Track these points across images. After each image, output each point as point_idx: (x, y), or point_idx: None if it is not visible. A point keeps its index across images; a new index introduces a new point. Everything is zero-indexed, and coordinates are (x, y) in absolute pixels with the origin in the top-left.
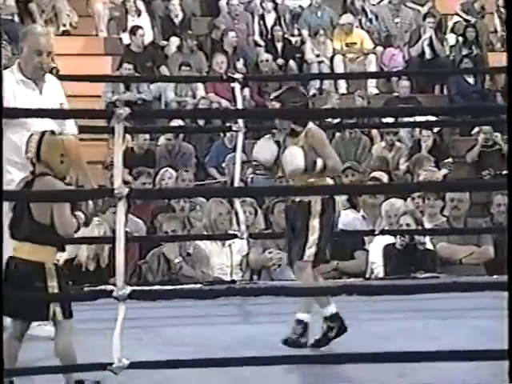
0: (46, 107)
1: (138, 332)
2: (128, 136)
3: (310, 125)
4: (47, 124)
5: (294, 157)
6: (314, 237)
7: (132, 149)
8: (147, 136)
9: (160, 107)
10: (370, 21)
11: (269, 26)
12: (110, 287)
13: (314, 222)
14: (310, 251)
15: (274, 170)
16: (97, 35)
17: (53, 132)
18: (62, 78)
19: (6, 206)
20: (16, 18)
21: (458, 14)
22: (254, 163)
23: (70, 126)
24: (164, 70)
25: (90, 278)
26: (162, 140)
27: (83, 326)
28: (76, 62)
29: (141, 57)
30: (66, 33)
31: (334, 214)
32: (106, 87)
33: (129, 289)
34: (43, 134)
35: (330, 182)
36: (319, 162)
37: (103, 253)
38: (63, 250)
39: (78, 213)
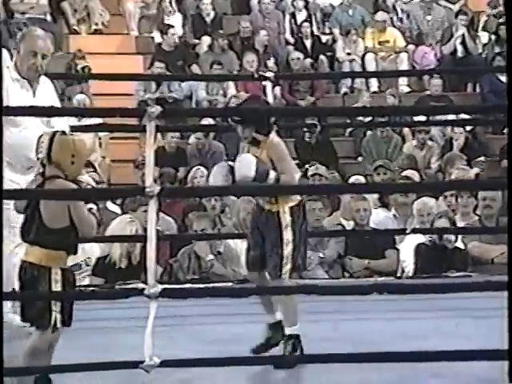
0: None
1: (169, 330)
2: (158, 134)
3: (272, 135)
4: (37, 123)
5: (245, 164)
6: (288, 250)
7: (163, 147)
8: (177, 134)
9: (191, 106)
10: (401, 19)
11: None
12: (141, 285)
13: (287, 234)
14: (286, 268)
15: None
16: (128, 34)
17: (64, 132)
18: (94, 76)
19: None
20: (48, 17)
21: (487, 14)
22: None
23: (62, 126)
24: (195, 69)
25: (122, 276)
26: (192, 139)
27: (115, 323)
28: (108, 61)
29: (172, 55)
30: (98, 32)
31: (305, 221)
32: (138, 86)
33: (160, 287)
34: (54, 134)
35: (291, 204)
36: (272, 175)
37: (135, 250)
38: (75, 252)
39: (91, 205)
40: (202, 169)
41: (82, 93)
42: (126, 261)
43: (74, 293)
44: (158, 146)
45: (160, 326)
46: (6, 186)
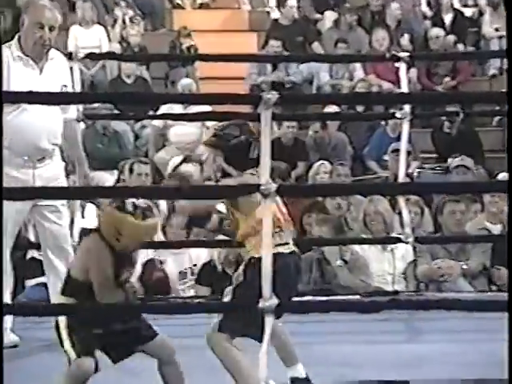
0: (44, 88)
1: None
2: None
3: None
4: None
5: None
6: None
7: (279, 139)
8: (294, 124)
9: (312, 91)
10: None
11: None
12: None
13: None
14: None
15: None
16: (239, 8)
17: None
18: (200, 57)
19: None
20: None
21: None
22: None
23: (72, 110)
24: (317, 48)
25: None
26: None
27: None
28: (217, 39)
29: (290, 31)
30: (204, 6)
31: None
32: (252, 68)
33: (276, 300)
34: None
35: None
36: None
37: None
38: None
39: (132, 284)
40: (327, 164)
41: (187, 76)
42: (235, 266)
43: (178, 304)
44: (273, 138)
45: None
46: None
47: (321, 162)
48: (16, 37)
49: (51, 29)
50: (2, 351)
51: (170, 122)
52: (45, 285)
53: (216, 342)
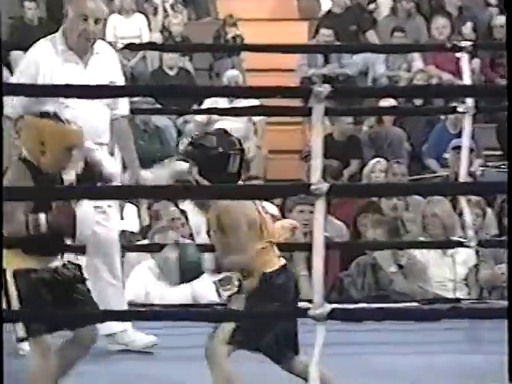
0: (88, 84)
1: (339, 360)
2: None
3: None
4: (87, 101)
5: None
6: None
7: (332, 135)
8: (348, 119)
9: (367, 83)
10: None
11: None
12: (304, 304)
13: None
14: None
15: None
16: None
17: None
18: (247, 47)
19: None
20: None
21: None
22: None
23: (122, 106)
24: (372, 37)
25: None
26: (366, 125)
27: None
28: (264, 29)
29: (343, 20)
30: None
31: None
32: (302, 59)
33: (328, 307)
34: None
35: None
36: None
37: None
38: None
39: (41, 215)
40: (382, 161)
41: (233, 68)
42: None
43: (218, 311)
44: (325, 134)
45: (328, 354)
46: None
47: (376, 159)
48: (61, 29)
49: (97, 21)
50: (2, 352)
51: (214, 116)
52: None
53: (216, 360)
